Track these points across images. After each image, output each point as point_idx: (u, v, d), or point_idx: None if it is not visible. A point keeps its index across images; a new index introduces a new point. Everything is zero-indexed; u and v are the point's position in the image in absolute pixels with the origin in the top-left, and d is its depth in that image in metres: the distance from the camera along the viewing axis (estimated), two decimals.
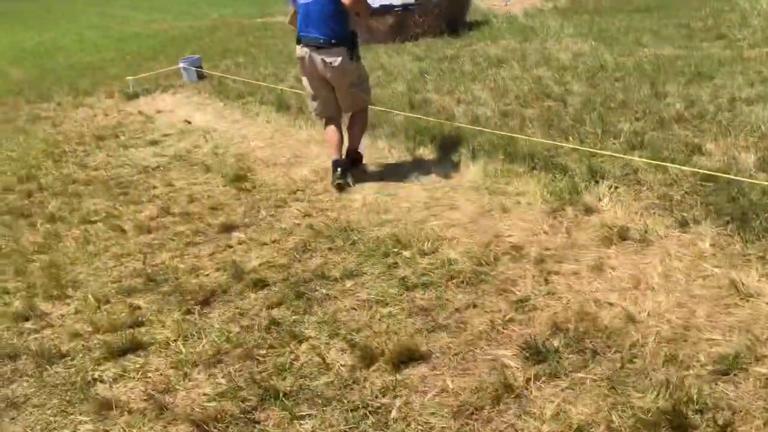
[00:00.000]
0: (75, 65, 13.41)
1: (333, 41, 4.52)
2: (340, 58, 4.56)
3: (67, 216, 4.92)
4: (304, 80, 4.95)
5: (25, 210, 5.20)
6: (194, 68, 9.79)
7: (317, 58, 4.61)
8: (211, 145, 6.64)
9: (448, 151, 5.23)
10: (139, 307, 3.39)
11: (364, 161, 5.28)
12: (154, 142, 7.00)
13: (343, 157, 4.96)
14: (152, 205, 4.96)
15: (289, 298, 3.31)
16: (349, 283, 3.38)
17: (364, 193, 4.70)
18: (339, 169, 4.79)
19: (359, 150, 5.21)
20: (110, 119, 8.47)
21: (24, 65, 14.45)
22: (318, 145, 5.97)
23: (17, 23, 27.72)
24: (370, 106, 5.30)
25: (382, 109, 6.45)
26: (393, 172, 5.10)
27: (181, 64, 9.90)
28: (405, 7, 10.94)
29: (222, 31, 16.60)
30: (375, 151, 5.66)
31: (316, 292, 3.34)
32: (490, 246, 3.59)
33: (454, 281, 3.25)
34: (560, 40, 9.03)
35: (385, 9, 10.87)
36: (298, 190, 4.97)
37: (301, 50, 4.70)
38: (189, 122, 7.75)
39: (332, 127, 5.01)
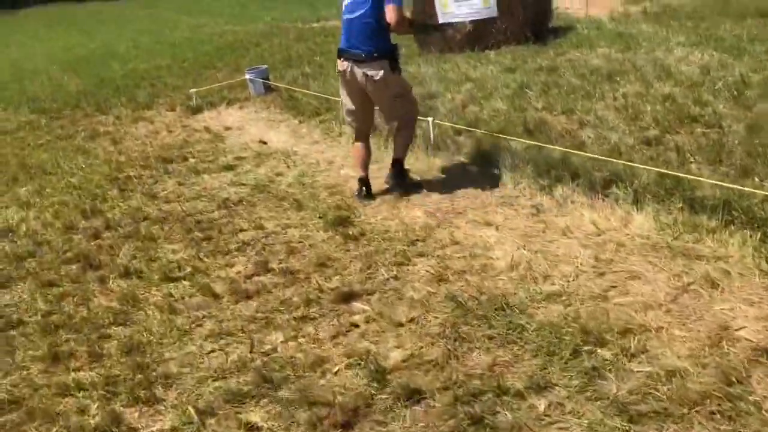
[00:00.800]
0: (130, 73, 12.78)
1: (375, 54, 4.52)
2: (382, 71, 4.54)
3: (144, 269, 4.11)
4: (343, 93, 4.96)
5: (92, 257, 4.41)
6: (261, 80, 9.02)
7: (358, 71, 4.59)
8: (295, 172, 5.82)
9: (594, 191, 4.29)
10: (256, 427, 2.54)
11: (417, 178, 5.21)
12: (228, 167, 6.22)
13: (389, 168, 5.05)
14: (244, 257, 4.13)
15: (462, 422, 2.42)
16: (541, 403, 2.46)
17: (505, 248, 3.80)
18: (363, 188, 4.95)
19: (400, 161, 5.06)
20: (175, 137, 7.72)
21: (79, 73, 13.90)
22: (425, 178, 5.13)
23: (69, 27, 27.59)
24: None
25: (489, 132, 5.55)
26: (530, 219, 4.19)
27: (248, 76, 9.13)
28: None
29: (279, 37, 15.85)
30: (498, 186, 4.77)
31: (499, 416, 2.43)
32: (722, 345, 2.65)
33: (697, 410, 2.32)
34: (671, 50, 7.97)
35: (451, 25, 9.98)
36: (417, 240, 4.09)
37: (342, 64, 4.69)
38: (264, 143, 6.95)
39: (361, 144, 5.04)
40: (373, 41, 4.51)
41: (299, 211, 4.82)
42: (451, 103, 7.05)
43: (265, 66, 9.42)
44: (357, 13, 4.53)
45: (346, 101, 4.94)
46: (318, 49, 13.06)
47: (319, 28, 17.19)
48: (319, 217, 4.62)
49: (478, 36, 10.01)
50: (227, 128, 7.82)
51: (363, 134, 5.05)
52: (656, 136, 5.15)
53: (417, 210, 4.56)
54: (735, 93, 5.87)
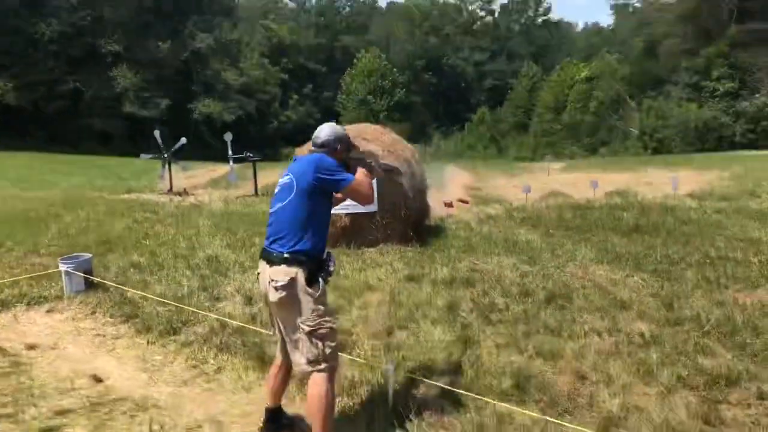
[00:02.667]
0: None
1: (286, 255, 3.37)
2: (283, 280, 3.34)
3: None
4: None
5: None
6: (82, 274, 6.68)
7: (266, 275, 3.45)
8: None
9: None
10: None
11: None
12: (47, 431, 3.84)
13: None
14: None
15: None
16: None
17: None
18: (269, 424, 3.69)
19: None
20: None
21: None
22: None
23: None
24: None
25: (468, 394, 3.93)
26: None
27: (63, 267, 6.74)
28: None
29: (85, 208, 13.32)
30: None
31: None
32: None
33: None
34: (584, 266, 7.14)
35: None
36: None
37: (259, 265, 3.56)
38: (99, 380, 4.64)
39: (276, 366, 3.73)
40: (293, 240, 3.41)
41: None
42: (364, 323, 5.39)
43: (89, 255, 7.10)
44: (277, 206, 3.54)
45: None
46: (142, 228, 10.87)
47: (136, 201, 14.99)
48: None
49: (355, 231, 8.66)
50: (32, 347, 5.34)
51: (282, 355, 3.67)
52: (701, 410, 3.86)
53: None
54: (726, 335, 4.90)
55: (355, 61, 64.13)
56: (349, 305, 5.93)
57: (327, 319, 3.40)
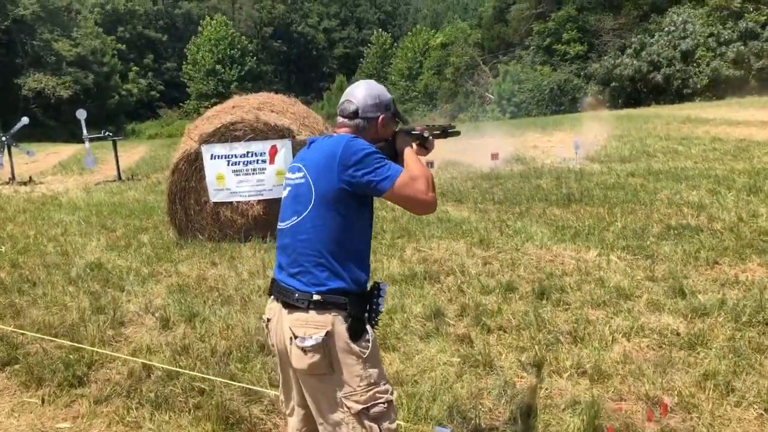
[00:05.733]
0: None
1: (316, 296, 2.16)
2: (317, 337, 2.13)
3: None
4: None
5: None
6: None
7: (283, 325, 2.22)
8: None
9: None
10: None
11: None
12: None
13: None
14: None
15: None
16: None
17: None
18: None
19: None
20: None
21: None
22: None
23: None
24: None
25: None
26: None
27: None
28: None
29: None
30: None
31: None
32: None
33: None
34: (547, 247, 6.36)
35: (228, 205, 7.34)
36: None
37: (268, 306, 2.36)
38: None
39: None
40: (322, 272, 2.18)
41: None
42: None
43: None
44: (291, 221, 2.27)
45: (278, 371, 2.42)
46: None
47: None
48: None
49: (268, 221, 7.35)
50: None
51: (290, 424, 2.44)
52: None
53: None
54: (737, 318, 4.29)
55: (199, 28, 60.39)
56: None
57: (382, 389, 2.19)
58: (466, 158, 13.80)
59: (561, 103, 37.21)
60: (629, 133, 17.06)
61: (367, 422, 2.15)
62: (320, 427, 2.23)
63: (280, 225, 2.30)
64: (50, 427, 3.61)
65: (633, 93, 36.77)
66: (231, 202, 7.35)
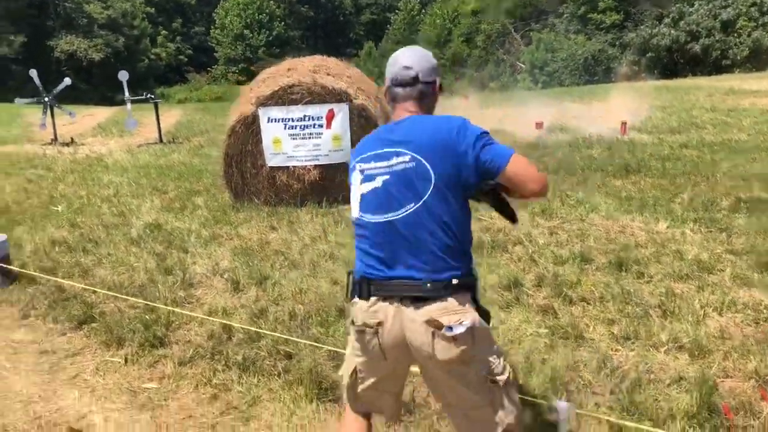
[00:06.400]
0: None
1: (454, 281, 2.03)
2: (467, 322, 2.00)
3: None
4: (353, 361, 2.25)
5: None
6: None
7: (414, 321, 2.03)
8: None
9: None
10: None
11: None
12: None
13: None
14: None
15: None
16: None
17: None
18: None
19: None
20: None
21: None
22: None
23: None
24: None
25: None
26: None
27: None
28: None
29: None
30: None
31: None
32: None
33: None
34: (614, 218, 6.19)
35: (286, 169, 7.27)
36: None
37: (369, 309, 2.10)
38: None
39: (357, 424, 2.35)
40: (450, 258, 2.06)
41: None
42: None
43: (2, 236, 5.30)
44: (399, 212, 2.08)
45: (354, 373, 2.28)
46: (40, 190, 8.86)
47: (11, 153, 12.57)
48: None
49: (323, 186, 7.28)
50: None
51: (365, 413, 2.39)
52: None
53: None
54: None
55: None
56: None
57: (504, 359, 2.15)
58: (507, 127, 13.56)
59: (595, 73, 36.41)
60: (671, 104, 16.63)
61: (512, 391, 2.14)
62: (459, 415, 2.17)
63: (377, 218, 2.11)
64: (137, 387, 3.60)
65: (669, 64, 35.85)
66: (287, 167, 7.27)
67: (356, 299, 2.14)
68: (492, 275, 4.77)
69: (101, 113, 23.26)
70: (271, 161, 7.25)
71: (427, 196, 2.04)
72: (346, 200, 7.30)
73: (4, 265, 5.01)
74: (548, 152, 10.48)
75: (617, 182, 7.76)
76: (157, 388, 3.58)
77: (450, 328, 1.98)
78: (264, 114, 7.11)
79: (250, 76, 41.45)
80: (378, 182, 2.11)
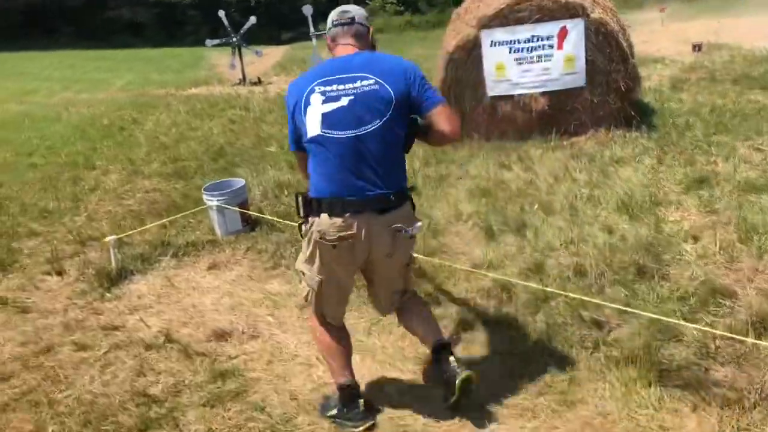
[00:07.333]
0: None
1: (402, 193, 2.52)
2: (419, 223, 2.60)
3: None
4: (318, 268, 2.55)
5: None
6: (237, 208, 4.73)
7: (381, 227, 2.45)
8: None
9: None
10: None
11: None
12: None
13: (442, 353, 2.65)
14: None
15: None
16: None
17: None
18: (356, 400, 2.68)
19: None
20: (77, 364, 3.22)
21: None
22: None
23: None
24: None
25: None
26: None
27: (208, 200, 4.79)
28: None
29: (161, 110, 11.25)
30: None
31: None
32: None
33: None
34: None
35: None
36: None
37: (339, 224, 2.41)
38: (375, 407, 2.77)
39: (338, 334, 2.75)
40: (399, 172, 2.52)
41: None
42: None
43: (241, 181, 5.10)
44: (366, 128, 2.37)
45: (322, 282, 2.57)
46: (244, 131, 8.82)
47: (207, 95, 12.86)
48: None
49: (555, 115, 6.47)
50: (220, 335, 3.48)
51: (340, 319, 2.78)
52: None
53: None
54: None
55: None
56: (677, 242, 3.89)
57: None
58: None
59: None
60: None
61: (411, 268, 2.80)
62: (386, 285, 2.69)
63: (344, 133, 2.35)
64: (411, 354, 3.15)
65: None
66: (511, 96, 6.52)
67: (322, 216, 2.39)
68: None
69: (274, 52, 23.63)
70: (493, 90, 6.54)
71: (389, 114, 2.36)
72: (576, 132, 6.50)
73: (246, 211, 4.79)
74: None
75: None
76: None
77: (409, 229, 2.47)
78: (487, 37, 6.37)
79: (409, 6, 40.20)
80: (344, 101, 2.36)
